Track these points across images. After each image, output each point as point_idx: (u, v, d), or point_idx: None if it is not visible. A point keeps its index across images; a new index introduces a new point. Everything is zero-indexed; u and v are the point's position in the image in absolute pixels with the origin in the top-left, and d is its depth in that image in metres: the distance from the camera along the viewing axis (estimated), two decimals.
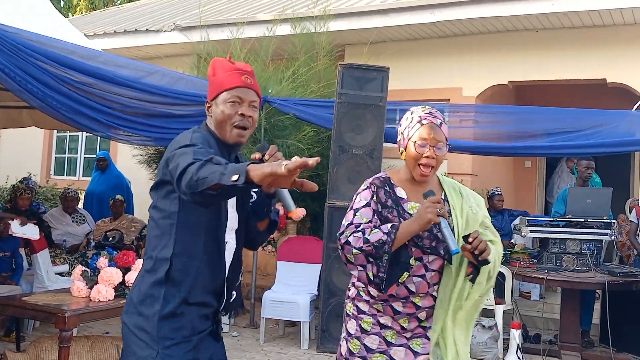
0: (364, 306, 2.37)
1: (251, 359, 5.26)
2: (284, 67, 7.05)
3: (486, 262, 2.20)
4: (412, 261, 2.28)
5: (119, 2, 19.41)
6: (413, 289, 2.29)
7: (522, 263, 5.93)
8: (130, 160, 7.44)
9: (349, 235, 2.25)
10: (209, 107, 2.16)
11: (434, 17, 7.31)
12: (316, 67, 7.19)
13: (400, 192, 2.36)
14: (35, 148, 11.00)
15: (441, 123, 2.33)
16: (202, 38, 7.69)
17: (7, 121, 7.39)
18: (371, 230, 2.23)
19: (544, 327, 6.02)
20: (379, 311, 2.34)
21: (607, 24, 7.09)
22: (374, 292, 2.31)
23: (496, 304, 5.74)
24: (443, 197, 2.38)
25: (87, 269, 4.43)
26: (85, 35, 8.29)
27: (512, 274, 5.70)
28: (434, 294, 2.33)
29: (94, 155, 10.51)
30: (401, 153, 2.39)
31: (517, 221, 6.80)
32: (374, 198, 2.32)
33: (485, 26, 7.49)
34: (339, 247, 2.29)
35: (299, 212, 1.95)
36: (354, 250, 2.22)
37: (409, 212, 2.32)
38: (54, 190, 9.99)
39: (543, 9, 6.84)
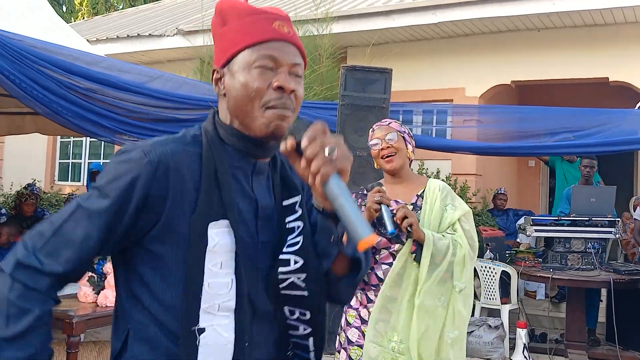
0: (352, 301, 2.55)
1: None
2: None
3: (409, 233, 2.35)
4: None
5: (121, 7, 19.47)
6: (381, 275, 2.46)
7: (527, 262, 5.93)
8: None
9: None
10: (219, 78, 1.29)
11: (437, 18, 7.32)
12: (319, 70, 7.20)
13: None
14: (39, 154, 11.03)
15: (389, 122, 2.61)
16: (205, 42, 7.71)
17: (11, 128, 7.41)
18: None
19: (550, 326, 6.01)
20: (360, 304, 2.51)
21: (608, 23, 7.09)
22: None
23: (502, 303, 5.74)
24: (419, 194, 2.53)
25: (93, 274, 4.44)
26: (88, 40, 8.33)
27: (518, 273, 5.70)
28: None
29: (99, 161, 10.55)
30: (374, 162, 2.63)
31: (521, 221, 6.81)
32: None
33: (487, 26, 7.50)
34: None
35: (372, 238, 1.09)
36: None
37: None
38: (59, 195, 10.02)
39: (544, 8, 6.85)
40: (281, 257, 1.26)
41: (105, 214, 1.17)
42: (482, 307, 5.96)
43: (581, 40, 7.28)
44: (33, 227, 1.21)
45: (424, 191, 2.54)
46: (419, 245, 2.38)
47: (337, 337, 2.60)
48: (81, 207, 1.18)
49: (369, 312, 2.47)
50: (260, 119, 1.22)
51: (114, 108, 4.36)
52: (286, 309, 1.29)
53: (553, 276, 5.37)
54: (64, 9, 20.31)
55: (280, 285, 1.26)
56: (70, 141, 10.99)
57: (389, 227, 2.30)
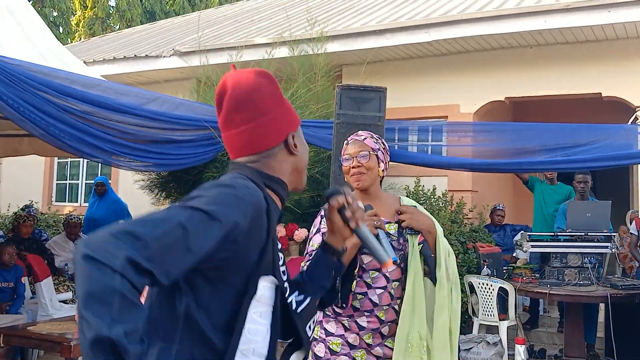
0: (331, 327, 2.44)
1: None
2: (283, 89, 7.05)
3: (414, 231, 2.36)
4: (370, 272, 2.39)
5: (117, 27, 19.60)
6: (376, 300, 2.38)
7: (524, 278, 5.94)
8: (132, 186, 7.47)
9: (304, 265, 2.31)
10: (287, 142, 1.47)
11: (429, 36, 7.40)
12: (315, 88, 7.25)
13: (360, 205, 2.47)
14: (37, 175, 11.04)
15: (365, 138, 2.49)
16: (202, 62, 7.77)
17: (8, 150, 7.44)
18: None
19: (548, 342, 6.01)
20: (346, 329, 2.41)
21: (600, 39, 7.17)
22: (338, 308, 2.42)
23: (500, 319, 5.74)
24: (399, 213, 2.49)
25: None
26: (85, 62, 8.38)
27: (515, 289, 5.71)
28: (396, 307, 2.42)
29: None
30: (345, 176, 2.53)
31: (518, 236, 6.83)
32: (323, 223, 2.43)
33: (480, 44, 7.58)
34: None
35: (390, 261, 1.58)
36: None
37: None
38: (56, 216, 10.02)
39: (537, 25, 6.92)
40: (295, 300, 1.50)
41: (220, 235, 1.20)
42: (480, 324, 5.95)
43: (574, 56, 7.36)
44: (138, 220, 1.14)
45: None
46: (430, 264, 2.38)
47: None
48: (194, 227, 1.16)
49: (360, 338, 2.39)
50: (300, 180, 1.52)
51: (110, 130, 4.39)
52: (305, 327, 1.49)
53: (550, 292, 5.38)
54: (61, 30, 20.43)
55: (298, 309, 1.48)
56: (67, 162, 11.02)
57: (390, 254, 2.14)
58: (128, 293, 1.03)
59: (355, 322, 2.40)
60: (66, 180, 11.16)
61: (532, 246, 5.83)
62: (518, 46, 7.59)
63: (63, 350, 3.83)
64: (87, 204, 10.34)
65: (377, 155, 2.48)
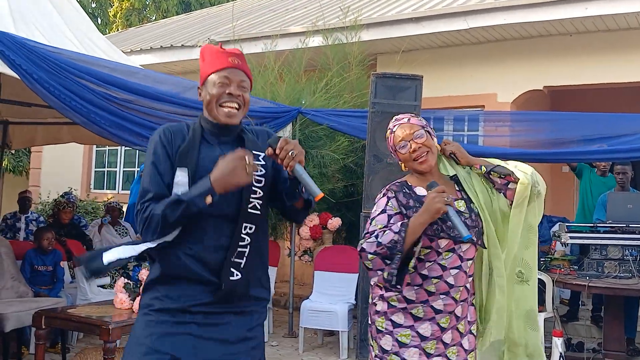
0: (399, 318, 2.35)
1: None
2: (317, 78, 7.11)
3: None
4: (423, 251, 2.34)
5: (154, 18, 19.81)
6: (452, 282, 2.33)
7: (562, 270, 5.84)
8: None
9: (364, 243, 2.30)
10: (200, 92, 2.15)
11: (467, 24, 7.29)
12: (349, 77, 7.23)
13: (420, 191, 2.42)
14: (76, 163, 11.27)
15: (409, 119, 2.47)
16: None
17: (49, 138, 7.62)
18: (384, 232, 2.27)
19: (587, 335, 5.91)
20: (416, 320, 2.32)
21: None
22: (410, 295, 2.33)
23: (537, 311, 5.66)
24: (458, 189, 2.47)
25: (129, 281, 4.53)
26: (122, 51, 8.50)
27: (553, 281, 5.62)
28: (468, 285, 2.40)
29: (133, 169, 10.72)
30: (401, 165, 2.50)
31: (556, 227, 6.71)
32: (389, 203, 2.37)
33: (518, 32, 7.44)
34: (359, 256, 2.34)
35: (320, 194, 1.98)
36: (370, 256, 2.26)
37: None
38: (95, 203, 10.22)
39: (577, 13, 6.77)
40: (252, 188, 2.07)
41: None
42: None
43: (615, 44, 7.17)
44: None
45: (456, 175, 2.52)
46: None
47: None
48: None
49: (437, 324, 2.32)
50: (218, 112, 2.09)
51: (150, 117, 4.45)
52: (244, 224, 2.06)
53: (589, 284, 5.28)
54: (99, 21, 20.74)
55: (248, 206, 2.08)
56: (105, 150, 11.21)
57: (463, 233, 2.16)
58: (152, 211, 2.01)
59: (431, 306, 2.32)
60: (104, 168, 11.36)
61: (571, 237, 5.71)
62: (557, 34, 7.43)
63: (102, 333, 3.90)
64: (124, 192, 10.54)
65: (428, 131, 2.45)
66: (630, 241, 5.53)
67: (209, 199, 1.92)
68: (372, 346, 2.44)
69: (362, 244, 2.30)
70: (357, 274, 5.75)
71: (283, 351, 5.85)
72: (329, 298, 5.94)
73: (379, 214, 2.36)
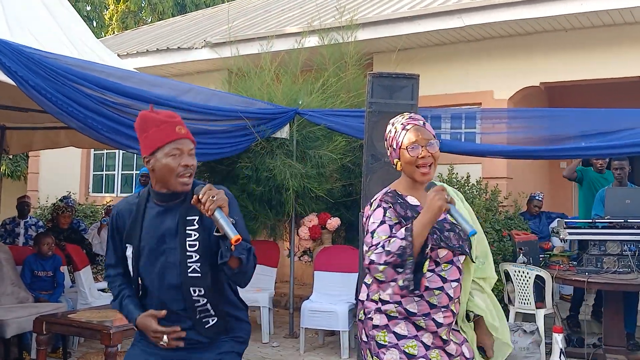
0: (402, 329, 2.28)
1: None
2: (313, 78, 7.11)
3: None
4: (442, 265, 2.30)
5: (149, 20, 19.80)
6: (452, 294, 2.30)
7: (561, 266, 5.86)
8: None
9: (371, 255, 2.20)
10: (148, 161, 2.24)
11: (463, 22, 7.29)
12: (345, 77, 7.23)
13: (412, 200, 2.36)
14: (74, 167, 11.26)
15: (424, 123, 2.37)
16: (233, 53, 7.81)
17: (46, 142, 7.62)
18: (389, 241, 2.19)
19: (587, 331, 5.91)
20: (418, 329, 2.28)
21: (638, 21, 6.97)
22: (412, 307, 2.27)
23: (537, 308, 5.68)
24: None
25: None
26: (118, 55, 8.49)
27: (552, 277, 5.63)
28: (460, 297, 2.39)
29: (131, 172, 10.73)
30: (396, 164, 2.39)
31: (555, 224, 6.72)
32: (387, 214, 2.29)
33: (514, 29, 7.44)
34: (367, 270, 2.26)
35: (237, 237, 2.03)
36: (380, 267, 2.17)
37: None
38: (93, 207, 10.22)
39: (572, 9, 6.76)
40: (187, 253, 2.22)
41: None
42: (516, 312, 5.89)
43: (611, 39, 7.18)
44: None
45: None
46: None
47: None
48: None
49: (437, 336, 2.29)
50: (176, 182, 2.21)
51: None
52: (191, 288, 2.23)
53: (589, 280, 5.30)
54: (95, 24, 20.72)
55: (188, 271, 2.22)
56: (103, 153, 11.20)
57: (468, 228, 2.12)
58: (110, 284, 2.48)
59: (433, 319, 2.27)
60: (103, 171, 11.36)
61: (570, 233, 5.73)
62: (553, 30, 7.44)
63: (103, 338, 3.91)
64: (123, 195, 10.53)
65: (438, 142, 2.38)
66: (628, 236, 5.55)
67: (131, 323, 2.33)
68: None
69: (369, 256, 2.21)
70: (357, 274, 5.76)
71: (284, 352, 5.86)
72: (329, 298, 5.94)
73: (378, 226, 2.27)
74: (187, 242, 2.22)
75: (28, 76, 3.81)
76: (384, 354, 2.27)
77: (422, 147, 2.30)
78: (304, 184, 6.16)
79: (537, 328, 5.50)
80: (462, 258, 2.34)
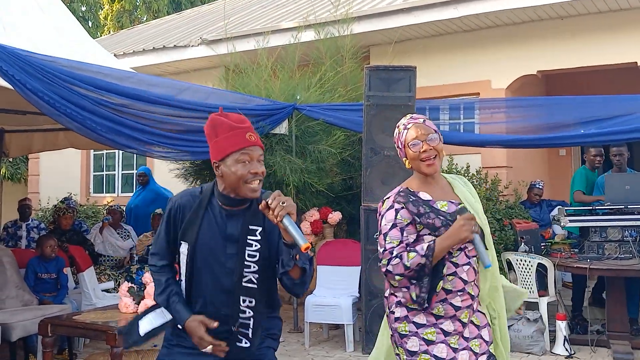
0: (421, 319, 2.40)
1: None
2: (310, 73, 7.11)
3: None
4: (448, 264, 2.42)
5: (145, 19, 19.76)
6: (466, 277, 2.41)
7: (563, 254, 5.87)
8: (167, 175, 7.58)
9: (387, 264, 2.35)
10: (217, 166, 2.25)
11: (458, 12, 7.28)
12: (342, 71, 7.23)
13: (425, 196, 2.47)
14: (74, 168, 11.26)
15: (424, 120, 2.52)
16: (229, 50, 7.80)
17: (45, 144, 7.63)
18: (407, 253, 2.33)
19: (590, 317, 5.93)
20: (439, 317, 2.39)
21: (634, 7, 6.96)
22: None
23: (540, 296, 5.69)
24: (454, 192, 2.54)
25: (133, 285, 4.55)
26: (114, 54, 8.49)
27: (554, 265, 5.65)
28: (477, 282, 2.47)
29: (132, 172, 10.74)
30: (405, 162, 2.53)
31: (555, 211, 6.73)
32: (399, 216, 2.41)
33: (510, 18, 7.43)
34: (383, 274, 2.40)
35: (306, 245, 2.04)
36: (397, 277, 2.34)
37: (442, 210, 2.43)
38: (95, 207, 10.23)
39: None
40: (245, 262, 2.23)
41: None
42: None
43: (607, 25, 7.17)
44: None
45: (454, 189, 2.56)
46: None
47: None
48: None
49: (458, 320, 2.40)
50: (245, 189, 2.21)
51: (145, 121, 4.46)
52: (241, 297, 2.22)
53: (591, 266, 5.31)
54: (90, 24, 20.68)
55: (243, 280, 2.22)
56: (103, 154, 11.21)
57: (486, 262, 2.31)
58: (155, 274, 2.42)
59: (450, 303, 2.39)
60: (103, 171, 11.36)
61: (570, 221, 5.74)
62: (549, 18, 7.43)
63: (108, 338, 3.92)
64: (124, 195, 10.56)
65: (440, 136, 2.50)
66: (629, 222, 5.56)
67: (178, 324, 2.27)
68: (398, 355, 2.47)
69: (386, 265, 2.36)
70: (360, 267, 5.77)
71: (289, 347, 5.88)
72: (333, 292, 5.96)
73: (390, 229, 2.40)
74: (247, 252, 2.23)
75: (25, 79, 3.81)
76: (406, 342, 2.41)
77: (422, 141, 2.44)
78: (304, 179, 6.17)
79: (541, 316, 5.52)
80: (470, 246, 2.42)
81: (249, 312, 2.24)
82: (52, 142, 7.44)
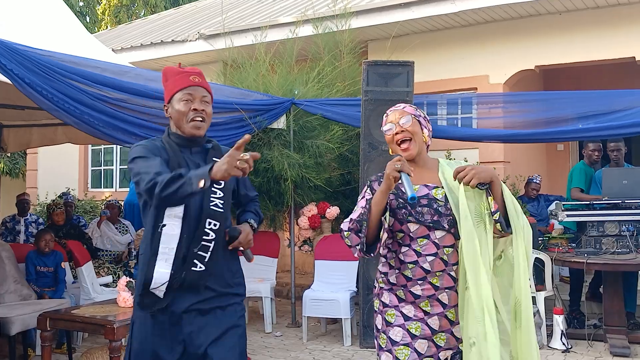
0: (386, 299, 2.44)
1: (296, 358, 5.33)
2: (308, 67, 7.10)
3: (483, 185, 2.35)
4: (388, 219, 2.39)
5: (142, 13, 19.71)
6: (428, 267, 2.36)
7: (560, 248, 5.89)
8: None
9: (342, 223, 2.44)
10: (167, 109, 2.46)
11: (456, 7, 7.28)
12: (340, 66, 7.23)
13: None
14: (72, 163, 11.26)
15: (404, 107, 2.53)
16: (227, 45, 7.79)
17: (44, 139, 7.62)
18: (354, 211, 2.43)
19: (587, 311, 5.96)
20: (400, 300, 2.40)
21: (632, 2, 6.97)
22: (392, 279, 2.42)
23: (537, 290, 5.71)
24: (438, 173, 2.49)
25: (131, 279, 4.55)
26: (112, 49, 8.48)
27: (552, 259, 5.67)
28: (452, 273, 2.38)
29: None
30: (389, 151, 2.56)
31: (553, 206, 6.74)
32: (368, 190, 2.50)
33: (507, 12, 7.43)
34: (341, 237, 2.48)
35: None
36: (346, 233, 2.40)
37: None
38: (93, 202, 10.23)
39: None
40: (212, 188, 2.39)
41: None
42: None
43: (605, 20, 7.17)
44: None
45: (440, 170, 2.47)
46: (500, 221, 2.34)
47: (376, 340, 2.47)
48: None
49: (419, 308, 2.37)
50: (187, 126, 2.40)
51: (144, 115, 4.46)
52: (207, 220, 2.39)
53: (588, 261, 5.33)
54: (87, 19, 20.62)
55: (210, 204, 2.40)
56: (101, 149, 11.20)
57: (409, 192, 2.20)
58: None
59: (410, 291, 2.38)
60: (101, 166, 11.36)
61: (568, 215, 5.76)
62: (547, 13, 7.43)
63: (107, 332, 3.93)
64: (122, 189, 10.55)
65: (419, 120, 2.48)
66: (626, 217, 5.58)
67: (201, 183, 2.09)
68: (377, 338, 2.52)
69: (341, 225, 2.45)
70: (357, 262, 5.79)
71: (287, 341, 5.90)
72: (331, 286, 5.98)
73: (359, 200, 2.50)
74: (213, 188, 2.41)
75: (24, 74, 3.81)
76: (375, 318, 2.51)
77: (395, 124, 2.47)
78: (302, 174, 6.18)
79: (538, 310, 5.54)
80: (440, 234, 2.37)
81: (212, 235, 2.39)
82: (50, 137, 7.43)
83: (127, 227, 7.31)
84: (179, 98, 2.39)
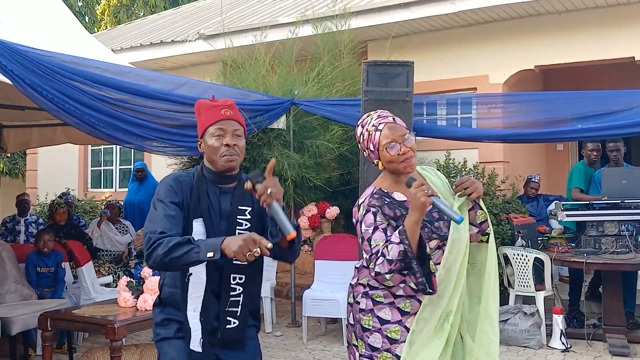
0: (386, 314, 2.33)
1: (296, 358, 5.34)
2: (308, 68, 7.11)
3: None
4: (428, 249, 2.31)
5: (142, 13, 19.72)
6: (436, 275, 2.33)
7: (560, 248, 5.90)
8: (165, 170, 7.58)
9: (375, 267, 2.24)
10: (200, 144, 2.38)
11: (456, 7, 7.29)
12: (340, 66, 7.23)
13: (399, 196, 2.38)
14: (72, 163, 11.26)
15: (394, 119, 2.41)
16: (227, 45, 7.80)
17: (43, 140, 7.63)
18: (386, 248, 2.21)
19: (587, 311, 5.97)
20: (404, 313, 2.32)
21: (631, 1, 6.97)
22: (398, 291, 2.31)
23: (536, 290, 5.72)
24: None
25: (131, 279, 4.57)
26: (112, 50, 8.48)
27: (551, 259, 5.68)
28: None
29: (129, 167, 10.73)
30: (377, 165, 2.42)
31: (552, 206, 6.75)
32: (378, 218, 2.31)
33: (507, 12, 7.44)
34: (375, 280, 2.31)
35: (293, 234, 2.09)
36: (387, 276, 2.22)
37: None
38: (93, 202, 10.23)
39: None
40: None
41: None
42: (516, 295, 5.94)
43: (604, 20, 7.18)
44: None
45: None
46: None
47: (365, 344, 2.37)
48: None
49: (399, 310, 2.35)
50: (220, 162, 2.31)
51: (144, 116, 4.46)
52: (231, 275, 2.29)
53: (587, 261, 5.34)
54: (87, 19, 20.63)
55: (233, 259, 2.13)
56: (100, 149, 11.20)
57: (455, 217, 2.16)
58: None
59: (418, 299, 2.31)
60: (100, 166, 11.36)
61: (567, 215, 5.76)
62: (546, 13, 7.44)
63: (107, 332, 3.94)
64: (122, 190, 10.55)
65: (413, 135, 2.40)
66: (625, 216, 5.59)
67: (209, 254, 2.04)
68: (356, 346, 2.40)
69: (374, 269, 2.25)
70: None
71: (287, 341, 5.91)
72: (331, 286, 5.98)
73: (373, 232, 2.29)
74: (237, 231, 2.30)
75: (24, 74, 3.81)
76: (368, 337, 2.35)
77: (400, 144, 2.33)
78: (302, 174, 6.19)
79: (537, 310, 5.55)
80: (434, 243, 2.38)
81: (239, 289, 2.31)
82: (50, 137, 7.43)
83: (127, 227, 7.32)
84: (210, 133, 2.31)
